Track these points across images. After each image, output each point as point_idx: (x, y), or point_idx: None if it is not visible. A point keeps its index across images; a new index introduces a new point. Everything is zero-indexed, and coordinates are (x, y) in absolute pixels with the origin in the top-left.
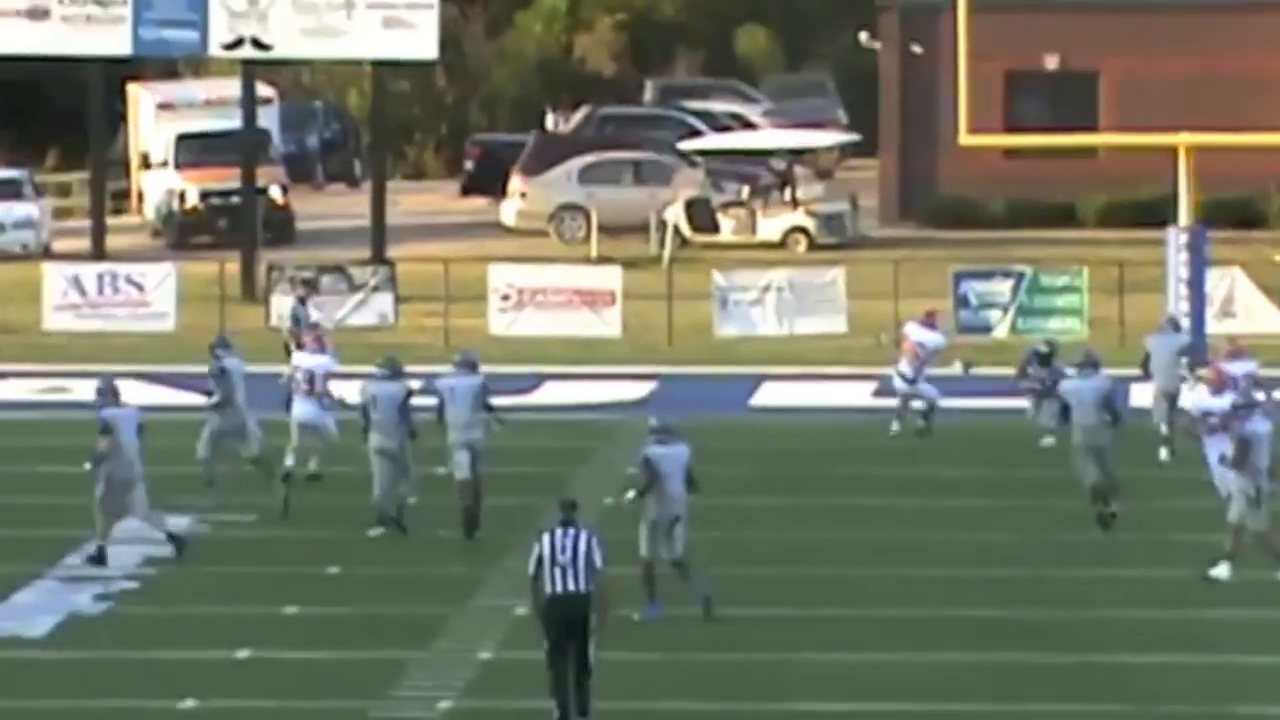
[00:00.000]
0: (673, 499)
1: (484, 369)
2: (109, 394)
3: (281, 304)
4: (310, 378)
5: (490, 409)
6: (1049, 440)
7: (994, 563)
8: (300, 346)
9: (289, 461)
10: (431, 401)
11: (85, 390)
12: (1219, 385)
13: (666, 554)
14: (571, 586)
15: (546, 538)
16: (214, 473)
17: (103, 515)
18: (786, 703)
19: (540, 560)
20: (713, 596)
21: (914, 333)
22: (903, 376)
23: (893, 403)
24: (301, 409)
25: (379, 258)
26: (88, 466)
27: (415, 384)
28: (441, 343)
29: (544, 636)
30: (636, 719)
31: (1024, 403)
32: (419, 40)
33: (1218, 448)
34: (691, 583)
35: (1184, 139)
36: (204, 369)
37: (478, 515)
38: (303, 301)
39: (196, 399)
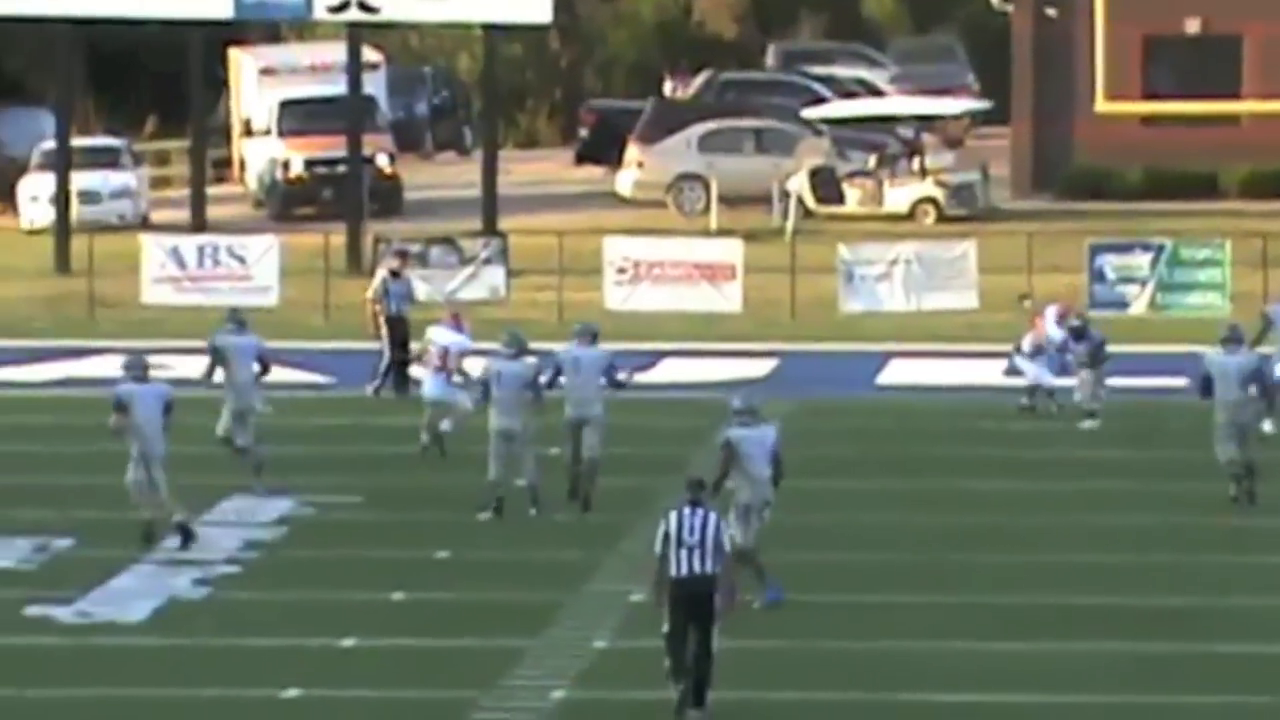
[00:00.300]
0: (760, 482)
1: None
2: (134, 369)
3: None
4: (444, 353)
5: (617, 384)
6: (1090, 423)
7: (1125, 548)
8: (390, 321)
9: (424, 438)
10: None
11: (186, 367)
12: None
13: (739, 538)
14: (698, 568)
15: (673, 517)
16: (259, 454)
17: (136, 497)
18: (908, 693)
19: (666, 539)
20: (757, 595)
21: (1049, 325)
22: (1020, 352)
23: (1023, 381)
24: (430, 386)
25: (490, 229)
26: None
27: (533, 359)
28: (555, 318)
29: (666, 618)
30: (755, 710)
31: (1071, 382)
32: (532, 2)
33: None
34: (749, 572)
35: None
36: (310, 345)
37: (590, 495)
38: (395, 275)
39: (301, 376)
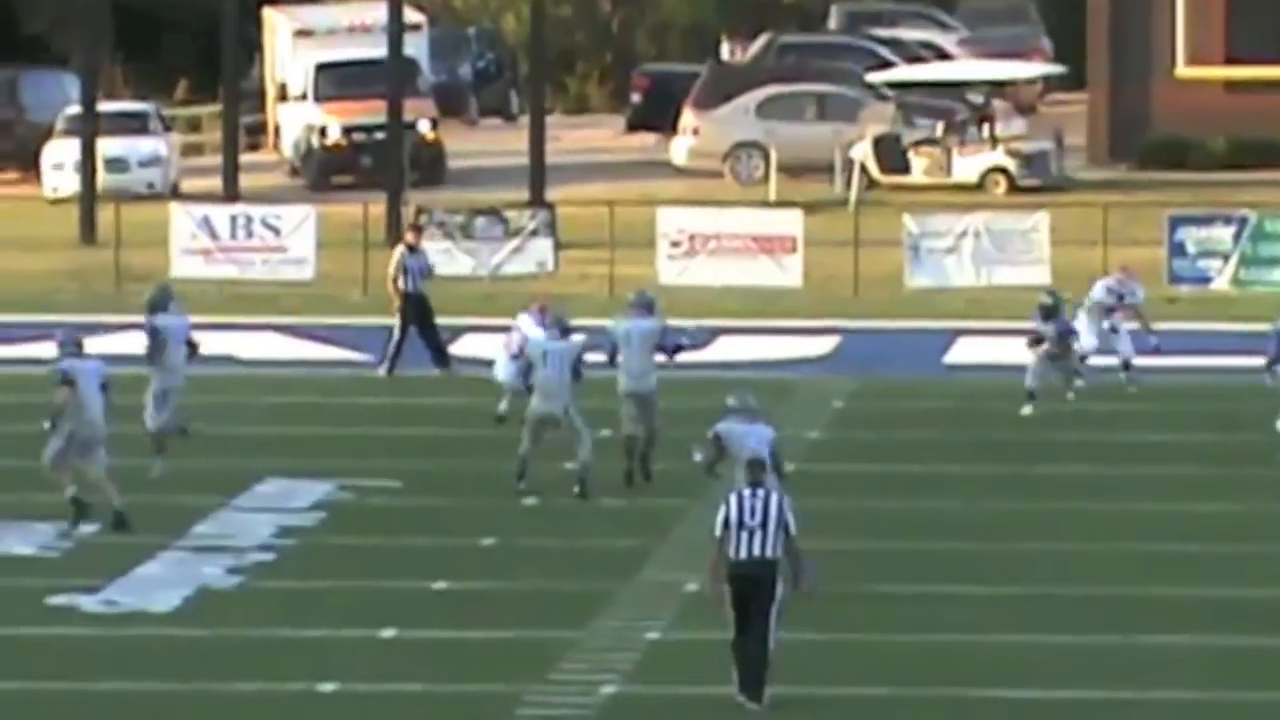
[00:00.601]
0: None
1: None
2: (70, 345)
3: (431, 251)
4: (524, 343)
5: (677, 349)
6: (1071, 396)
7: (1200, 536)
8: (408, 298)
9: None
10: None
11: (217, 343)
12: None
13: None
14: (758, 551)
15: (734, 499)
16: (170, 433)
17: (56, 473)
18: (973, 688)
19: (727, 522)
20: None
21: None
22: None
23: (1108, 360)
24: (501, 369)
25: (538, 199)
26: (45, 425)
27: (580, 337)
28: (605, 293)
29: (731, 606)
30: (813, 707)
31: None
32: None
33: None
34: None
35: None
36: (348, 320)
37: (649, 470)
38: (411, 249)
39: (338, 353)
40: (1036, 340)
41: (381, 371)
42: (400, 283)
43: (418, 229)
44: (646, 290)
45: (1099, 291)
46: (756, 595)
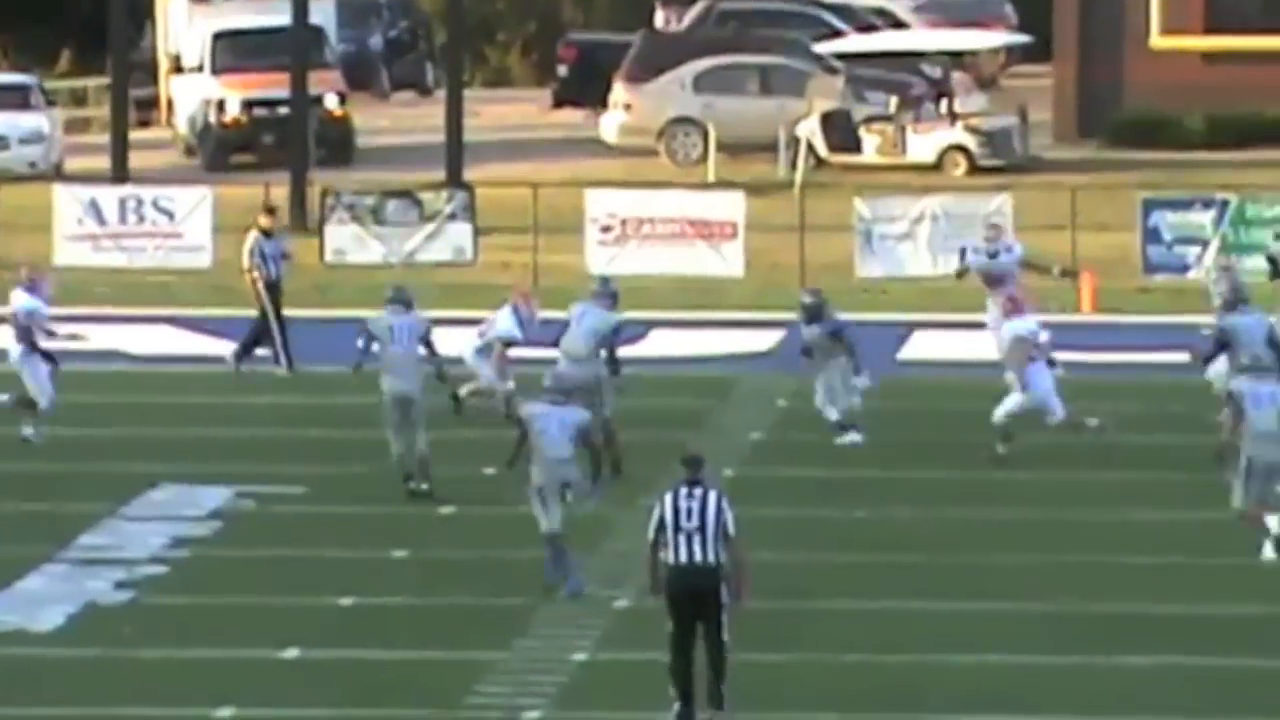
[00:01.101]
0: (555, 464)
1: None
2: None
3: (338, 236)
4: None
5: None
6: (853, 438)
7: (1186, 548)
8: (269, 287)
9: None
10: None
11: (108, 338)
12: None
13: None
14: (699, 556)
15: (669, 499)
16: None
17: None
18: (929, 714)
19: (662, 525)
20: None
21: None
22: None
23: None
24: (470, 356)
25: (455, 180)
26: None
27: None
28: (528, 283)
29: (668, 615)
30: None
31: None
32: None
33: None
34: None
35: None
36: (249, 313)
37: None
38: (266, 234)
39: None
40: (806, 351)
41: (282, 369)
42: (259, 272)
43: (271, 211)
44: (609, 279)
45: (970, 257)
46: (700, 602)
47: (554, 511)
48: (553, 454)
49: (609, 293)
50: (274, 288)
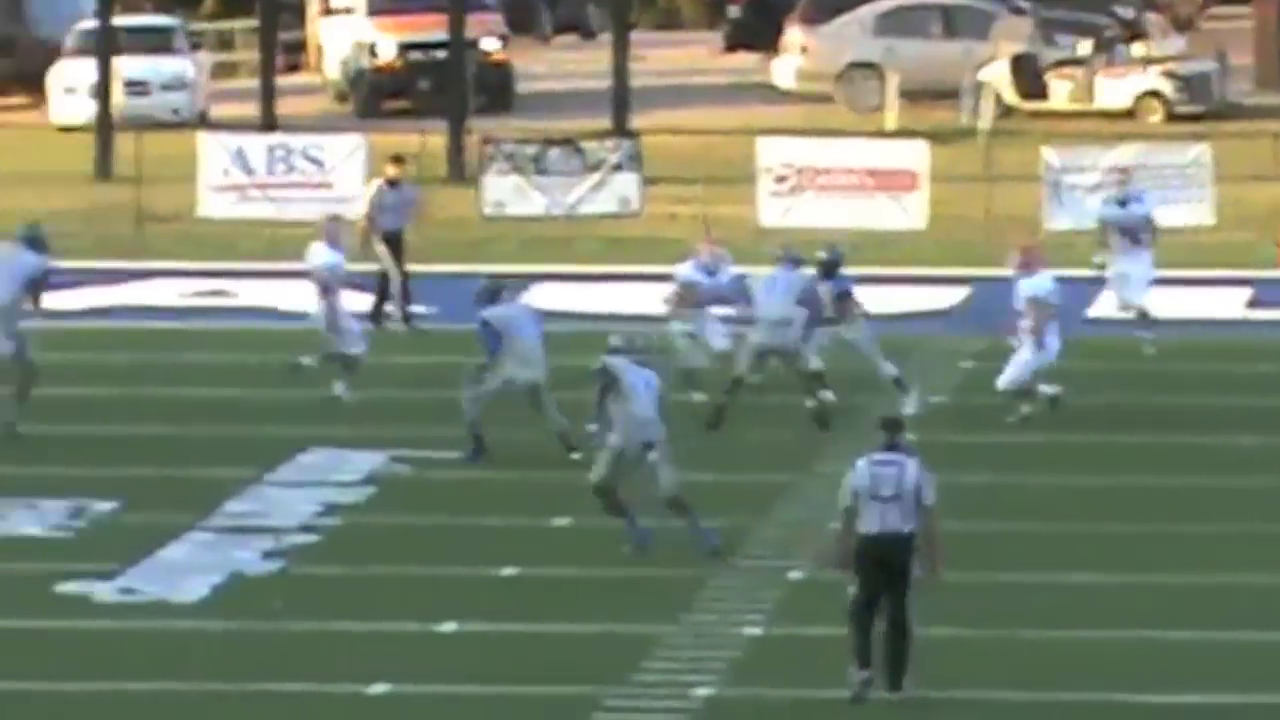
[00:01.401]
0: (643, 423)
1: (752, 269)
2: None
3: (498, 187)
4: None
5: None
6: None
7: None
8: (387, 240)
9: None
10: None
11: (252, 293)
12: None
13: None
14: (894, 525)
15: (863, 465)
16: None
17: None
18: (1119, 693)
19: (856, 493)
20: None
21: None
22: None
23: (1273, 315)
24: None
25: (620, 129)
26: None
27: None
28: (697, 236)
29: (855, 585)
30: (940, 711)
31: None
32: None
33: None
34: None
35: None
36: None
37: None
38: (392, 184)
39: (392, 306)
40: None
41: (398, 325)
42: (373, 222)
43: (399, 160)
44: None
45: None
46: (890, 574)
47: (667, 474)
48: (642, 413)
49: (792, 258)
50: (393, 241)
